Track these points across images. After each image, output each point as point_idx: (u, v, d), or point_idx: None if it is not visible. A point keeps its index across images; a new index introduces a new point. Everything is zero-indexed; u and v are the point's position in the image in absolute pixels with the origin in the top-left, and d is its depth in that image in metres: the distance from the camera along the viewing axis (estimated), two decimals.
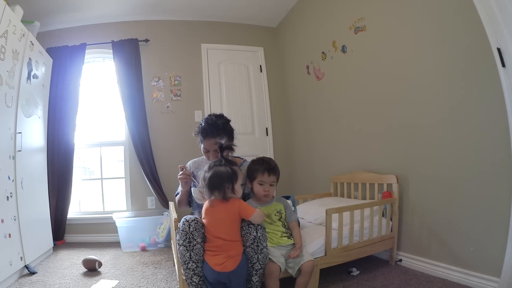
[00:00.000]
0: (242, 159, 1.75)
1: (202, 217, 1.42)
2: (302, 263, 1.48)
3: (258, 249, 1.37)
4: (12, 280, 1.98)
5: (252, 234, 1.36)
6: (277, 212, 1.58)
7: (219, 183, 1.37)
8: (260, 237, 1.37)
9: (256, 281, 1.40)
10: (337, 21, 2.63)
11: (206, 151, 1.63)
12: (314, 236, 1.74)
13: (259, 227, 1.38)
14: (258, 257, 1.38)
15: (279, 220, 1.57)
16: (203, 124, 1.63)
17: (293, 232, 1.58)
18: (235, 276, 1.34)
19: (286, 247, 1.53)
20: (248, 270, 1.38)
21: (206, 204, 1.43)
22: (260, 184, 1.56)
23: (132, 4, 3.10)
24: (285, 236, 1.55)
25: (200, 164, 1.74)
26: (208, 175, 1.40)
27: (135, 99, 3.19)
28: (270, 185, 1.56)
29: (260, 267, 1.39)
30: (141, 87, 3.25)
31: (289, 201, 1.67)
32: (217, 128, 1.58)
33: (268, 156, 1.71)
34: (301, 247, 1.52)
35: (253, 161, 1.62)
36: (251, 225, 1.38)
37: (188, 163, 1.81)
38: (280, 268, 1.44)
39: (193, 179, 1.65)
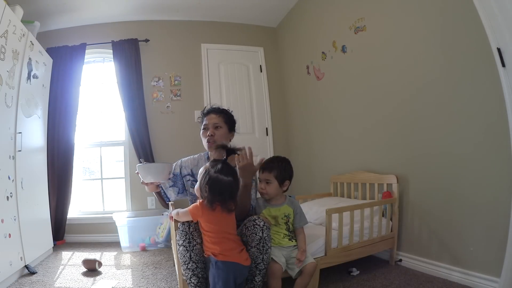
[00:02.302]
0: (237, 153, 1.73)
1: (203, 221, 1.34)
2: (305, 264, 1.48)
3: (263, 249, 1.37)
4: (12, 280, 1.97)
5: (258, 234, 1.35)
6: (285, 216, 1.56)
7: (221, 197, 1.29)
8: (266, 237, 1.37)
9: (259, 281, 1.40)
10: (337, 21, 2.63)
11: (205, 129, 1.65)
12: (314, 236, 1.74)
13: (265, 227, 1.37)
14: (263, 257, 1.37)
15: (285, 223, 1.56)
16: (206, 106, 1.76)
17: (298, 238, 1.56)
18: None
19: (287, 248, 1.53)
20: (252, 270, 1.38)
21: (203, 208, 1.32)
22: (259, 181, 1.59)
23: (132, 4, 3.09)
24: (287, 238, 1.55)
25: (198, 161, 1.73)
26: (209, 185, 1.30)
27: (135, 99, 3.19)
28: (266, 182, 1.56)
29: (263, 267, 1.39)
30: (141, 87, 3.25)
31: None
32: (220, 108, 1.71)
33: (275, 156, 1.68)
34: (305, 251, 1.52)
35: None
36: (256, 226, 1.36)
37: (182, 160, 1.76)
38: (282, 268, 1.45)
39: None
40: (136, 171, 1.60)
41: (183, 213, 1.37)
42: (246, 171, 1.41)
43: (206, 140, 1.64)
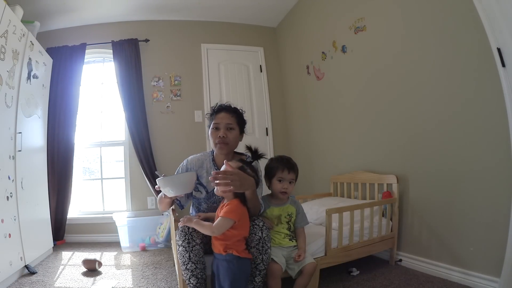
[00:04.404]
0: (246, 156, 1.66)
1: (237, 219, 1.30)
2: (304, 264, 1.48)
3: (263, 249, 1.36)
4: (12, 280, 1.98)
5: (257, 235, 1.35)
6: (288, 215, 1.57)
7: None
8: (265, 237, 1.37)
9: (259, 281, 1.39)
10: (337, 21, 2.63)
11: (216, 129, 1.54)
12: (314, 236, 1.74)
13: (264, 227, 1.37)
14: (262, 258, 1.37)
15: (287, 223, 1.56)
16: (218, 103, 1.64)
17: (299, 238, 1.57)
18: None
19: (288, 248, 1.53)
20: (252, 270, 1.38)
21: (238, 204, 1.32)
22: (279, 181, 1.56)
23: (132, 4, 3.09)
24: (287, 238, 1.55)
25: (203, 162, 1.63)
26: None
27: (135, 99, 3.19)
28: (289, 182, 1.56)
29: (263, 267, 1.38)
30: (141, 87, 3.25)
31: None
32: (232, 107, 1.61)
33: (283, 155, 1.68)
34: (305, 251, 1.52)
35: (271, 159, 1.64)
36: (256, 226, 1.36)
37: (188, 160, 1.66)
38: (282, 268, 1.44)
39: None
40: (157, 186, 1.40)
41: (219, 226, 1.28)
42: (245, 184, 1.29)
43: (216, 141, 1.53)
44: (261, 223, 1.37)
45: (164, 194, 1.42)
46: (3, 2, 1.97)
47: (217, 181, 1.26)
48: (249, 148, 1.43)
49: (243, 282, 1.30)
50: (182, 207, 1.60)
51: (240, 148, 1.65)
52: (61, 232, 3.01)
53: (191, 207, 1.72)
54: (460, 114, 1.68)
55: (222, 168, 1.37)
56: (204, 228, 1.30)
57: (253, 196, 1.36)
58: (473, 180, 1.62)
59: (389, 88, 2.14)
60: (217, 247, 1.33)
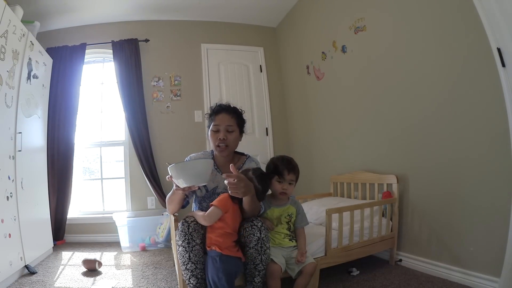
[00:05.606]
0: (246, 155, 1.69)
1: (224, 210, 1.34)
2: (304, 264, 1.48)
3: (261, 250, 1.36)
4: (12, 280, 1.98)
5: (255, 235, 1.35)
6: (288, 215, 1.56)
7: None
8: (264, 238, 1.36)
9: (259, 282, 1.39)
10: (337, 21, 2.63)
11: (216, 131, 1.53)
12: (314, 236, 1.74)
13: (263, 228, 1.37)
14: (261, 258, 1.37)
15: (287, 223, 1.56)
16: (217, 104, 1.61)
17: (299, 238, 1.56)
18: None
19: (287, 248, 1.53)
20: (251, 271, 1.38)
21: (227, 197, 1.36)
22: (279, 182, 1.55)
23: (132, 4, 3.09)
24: (287, 238, 1.55)
25: None
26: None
27: (135, 99, 3.19)
28: (289, 183, 1.55)
29: (263, 268, 1.38)
30: (141, 87, 3.25)
31: None
32: (231, 107, 1.60)
33: (283, 155, 1.68)
34: (305, 252, 1.52)
35: (272, 159, 1.63)
36: (254, 226, 1.36)
37: (191, 157, 1.66)
38: (281, 269, 1.44)
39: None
40: (168, 176, 1.31)
41: (210, 215, 1.34)
42: (247, 190, 1.30)
43: (216, 144, 1.53)
44: (259, 224, 1.37)
45: (176, 186, 1.31)
46: (3, 2, 1.97)
47: (229, 182, 1.27)
48: (256, 170, 1.46)
49: (222, 280, 1.27)
50: (188, 203, 1.60)
51: (240, 148, 1.66)
52: (61, 232, 3.01)
53: (193, 203, 1.73)
54: (460, 114, 1.68)
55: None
56: (198, 218, 1.37)
57: (251, 200, 1.36)
58: (473, 180, 1.62)
59: (389, 88, 2.14)
60: (207, 241, 1.37)
